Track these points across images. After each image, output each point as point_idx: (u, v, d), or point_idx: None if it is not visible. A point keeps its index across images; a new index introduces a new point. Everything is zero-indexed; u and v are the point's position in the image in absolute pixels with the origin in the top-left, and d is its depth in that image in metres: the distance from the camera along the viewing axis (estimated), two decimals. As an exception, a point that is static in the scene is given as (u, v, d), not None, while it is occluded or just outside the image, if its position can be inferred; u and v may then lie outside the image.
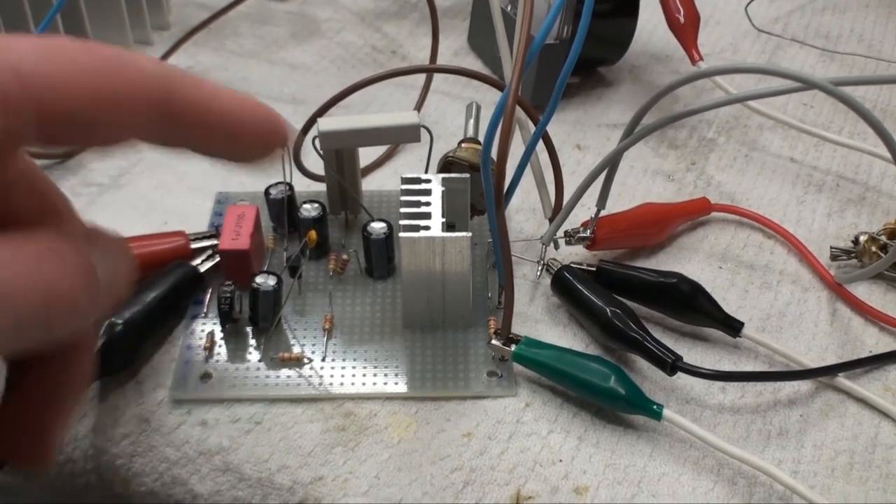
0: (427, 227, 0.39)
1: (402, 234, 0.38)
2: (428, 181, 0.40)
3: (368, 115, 0.44)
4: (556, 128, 0.54)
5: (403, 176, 0.41)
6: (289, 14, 0.64)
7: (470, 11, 0.60)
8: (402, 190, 0.40)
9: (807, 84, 0.36)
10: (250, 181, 0.49)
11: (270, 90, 0.57)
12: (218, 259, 0.42)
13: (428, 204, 0.39)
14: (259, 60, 0.59)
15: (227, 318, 0.40)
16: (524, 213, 0.48)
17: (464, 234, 0.39)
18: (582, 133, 0.54)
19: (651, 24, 0.61)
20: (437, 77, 0.56)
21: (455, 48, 0.61)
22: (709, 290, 0.42)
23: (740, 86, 0.56)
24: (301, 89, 0.57)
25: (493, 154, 0.39)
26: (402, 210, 0.39)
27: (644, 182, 0.50)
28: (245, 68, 0.59)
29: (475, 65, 0.59)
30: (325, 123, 0.43)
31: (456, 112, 0.55)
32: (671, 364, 0.38)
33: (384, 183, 0.50)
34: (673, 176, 0.51)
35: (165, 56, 0.56)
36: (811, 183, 0.51)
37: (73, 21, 0.53)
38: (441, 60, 0.57)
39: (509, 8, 0.54)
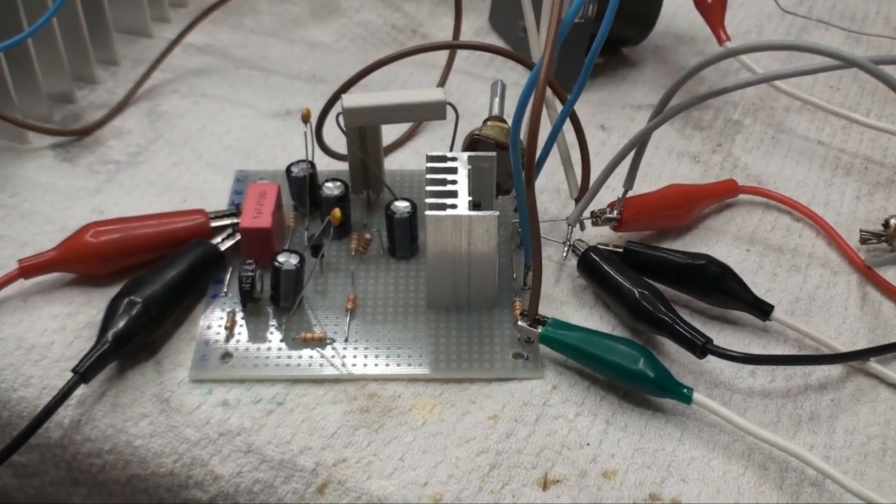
0: (454, 206, 0.38)
1: (428, 213, 0.38)
2: (454, 159, 0.40)
3: (393, 91, 0.44)
4: (580, 108, 0.52)
5: (429, 154, 0.40)
6: (307, -8, 0.63)
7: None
8: (427, 168, 0.39)
9: (845, 62, 0.35)
10: (270, 159, 0.48)
11: (289, 68, 0.56)
12: (238, 237, 0.42)
13: (454, 182, 0.39)
14: (278, 39, 0.59)
15: (249, 298, 0.40)
16: (548, 193, 0.47)
17: (491, 212, 0.38)
18: (606, 113, 0.53)
19: (675, 4, 0.60)
20: (458, 56, 0.55)
21: (476, 28, 0.60)
22: (737, 272, 0.41)
23: (766, 67, 0.55)
24: (320, 68, 0.56)
25: (521, 133, 0.38)
26: (428, 188, 0.39)
27: (670, 163, 0.50)
28: (264, 47, 0.58)
29: (497, 44, 0.58)
30: (350, 100, 0.42)
31: (478, 91, 0.54)
32: (701, 347, 0.37)
33: (406, 162, 0.49)
34: (699, 157, 0.50)
35: (183, 34, 0.55)
36: (839, 165, 0.50)
37: (91, -2, 0.53)
38: (462, 39, 0.56)
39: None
